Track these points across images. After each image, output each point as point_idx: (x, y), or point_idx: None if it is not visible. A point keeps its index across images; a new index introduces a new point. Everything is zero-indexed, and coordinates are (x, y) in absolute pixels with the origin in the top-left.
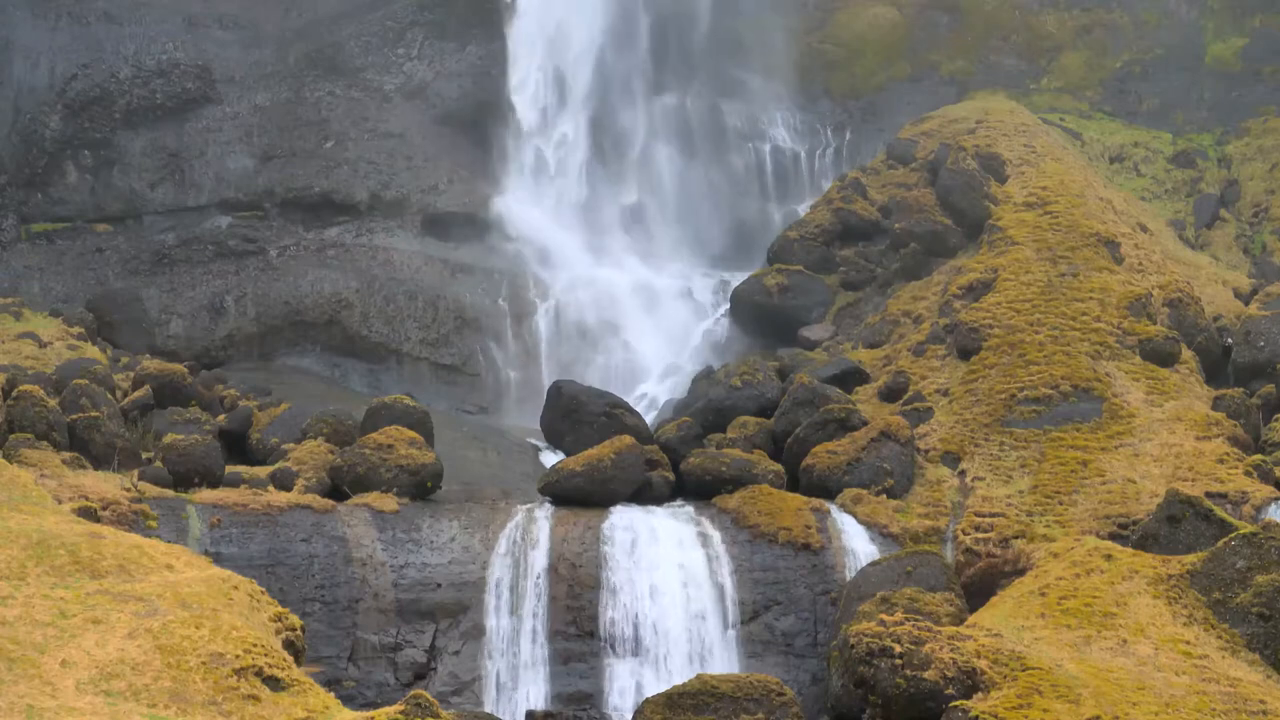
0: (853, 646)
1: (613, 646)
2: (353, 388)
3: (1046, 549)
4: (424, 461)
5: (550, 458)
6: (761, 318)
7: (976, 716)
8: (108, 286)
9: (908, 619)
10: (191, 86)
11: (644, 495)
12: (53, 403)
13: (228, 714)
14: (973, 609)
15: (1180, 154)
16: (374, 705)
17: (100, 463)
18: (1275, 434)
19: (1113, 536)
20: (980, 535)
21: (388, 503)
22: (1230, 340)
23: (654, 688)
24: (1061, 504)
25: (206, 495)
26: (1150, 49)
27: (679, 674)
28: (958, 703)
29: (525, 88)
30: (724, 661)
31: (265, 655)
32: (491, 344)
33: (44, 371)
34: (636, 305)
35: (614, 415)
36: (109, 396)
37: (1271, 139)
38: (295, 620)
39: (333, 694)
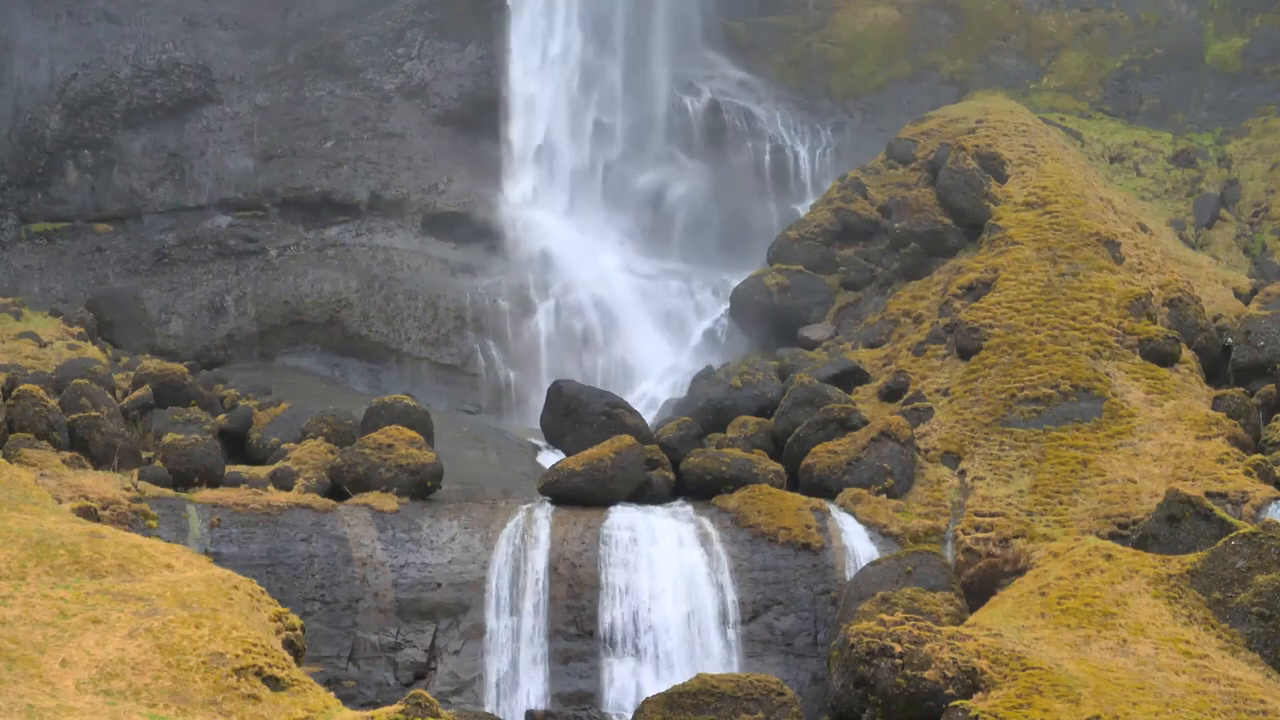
0: (853, 646)
1: (612, 646)
2: (353, 388)
3: (1046, 549)
4: (424, 461)
5: (550, 457)
6: (761, 318)
7: (976, 716)
8: (108, 286)
9: (908, 619)
10: (191, 86)
11: (644, 495)
12: (53, 402)
13: (228, 714)
14: (973, 609)
15: (1180, 154)
16: (374, 705)
17: (100, 462)
18: (1275, 434)
19: (1113, 536)
20: (980, 535)
21: (388, 502)
22: (1230, 340)
23: (653, 688)
24: (1061, 504)
25: (206, 495)
26: (1150, 49)
27: (679, 674)
28: (958, 702)
29: (524, 87)
30: (724, 661)
31: (265, 655)
32: (491, 344)
33: (44, 371)
34: (636, 305)
35: (614, 415)
36: (109, 396)
37: (1272, 139)
38: (295, 620)
39: (333, 694)
